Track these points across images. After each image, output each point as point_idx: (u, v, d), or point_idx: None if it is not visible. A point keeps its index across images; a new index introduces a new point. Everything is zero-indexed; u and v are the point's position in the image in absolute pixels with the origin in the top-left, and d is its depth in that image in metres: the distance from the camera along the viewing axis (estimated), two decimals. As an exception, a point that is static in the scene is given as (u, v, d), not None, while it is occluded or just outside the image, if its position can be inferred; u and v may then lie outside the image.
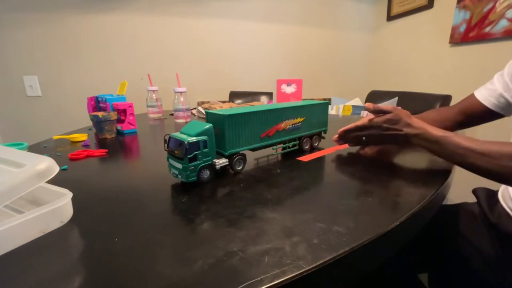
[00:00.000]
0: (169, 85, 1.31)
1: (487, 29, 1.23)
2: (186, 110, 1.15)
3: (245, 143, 0.51)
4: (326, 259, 0.26)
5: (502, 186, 0.60)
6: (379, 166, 0.57)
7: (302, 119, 0.60)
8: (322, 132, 0.67)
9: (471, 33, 1.30)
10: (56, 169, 0.34)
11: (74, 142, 0.78)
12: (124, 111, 0.90)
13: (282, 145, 0.59)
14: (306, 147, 0.64)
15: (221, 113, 0.47)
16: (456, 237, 0.61)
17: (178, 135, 0.45)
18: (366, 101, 1.45)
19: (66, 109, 1.53)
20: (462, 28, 1.35)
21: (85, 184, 0.49)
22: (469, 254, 0.58)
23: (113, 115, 0.83)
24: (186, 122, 1.07)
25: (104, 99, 0.92)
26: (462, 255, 0.59)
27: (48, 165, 0.33)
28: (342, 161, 0.59)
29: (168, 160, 0.47)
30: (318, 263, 0.26)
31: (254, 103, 1.44)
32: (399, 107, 0.54)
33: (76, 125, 1.07)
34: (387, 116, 0.53)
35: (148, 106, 1.28)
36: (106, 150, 0.67)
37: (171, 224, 0.34)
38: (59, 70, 1.48)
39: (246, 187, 0.44)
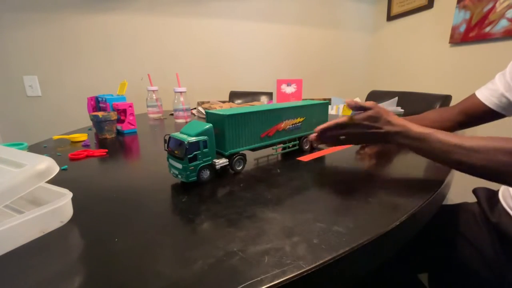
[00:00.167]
0: (169, 85, 1.32)
1: (487, 29, 1.23)
2: (186, 110, 1.15)
3: (245, 143, 0.51)
4: (326, 259, 0.26)
5: (502, 185, 0.60)
6: (379, 166, 0.57)
7: (302, 119, 0.60)
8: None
9: (471, 33, 1.30)
10: (56, 169, 0.34)
11: (74, 142, 0.78)
12: (124, 111, 0.90)
13: (282, 145, 0.59)
14: (306, 147, 0.64)
15: (221, 113, 0.47)
16: (456, 237, 0.61)
17: (178, 135, 0.45)
18: (366, 101, 1.44)
19: (66, 109, 1.53)
20: (462, 28, 1.35)
21: (85, 184, 0.49)
22: (469, 254, 0.58)
23: (113, 115, 0.83)
24: (186, 122, 1.07)
25: (104, 99, 0.92)
26: (462, 255, 0.59)
27: (48, 165, 0.33)
28: (342, 161, 0.59)
29: (168, 160, 0.47)
30: (318, 263, 0.26)
31: (254, 103, 1.44)
32: (380, 105, 0.50)
33: (76, 125, 1.07)
34: (368, 113, 0.49)
35: (148, 106, 1.28)
36: (106, 150, 0.67)
37: (171, 224, 0.34)
38: (59, 70, 1.48)
39: (246, 187, 0.44)
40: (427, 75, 1.63)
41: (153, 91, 1.26)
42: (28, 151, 0.44)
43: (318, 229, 0.31)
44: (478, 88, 0.66)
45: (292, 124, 0.58)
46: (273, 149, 0.58)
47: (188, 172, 0.43)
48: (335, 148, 0.65)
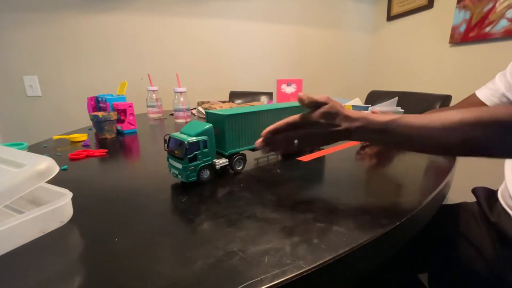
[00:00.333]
0: (169, 85, 1.31)
1: (487, 29, 1.23)
2: (186, 110, 1.15)
3: (245, 143, 0.51)
4: (326, 259, 0.26)
5: (501, 185, 0.60)
6: (379, 166, 0.57)
7: (302, 119, 0.60)
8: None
9: (471, 33, 1.30)
10: (56, 169, 0.34)
11: (74, 142, 0.78)
12: (124, 111, 0.90)
13: (282, 145, 0.59)
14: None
15: (221, 113, 0.47)
16: (456, 237, 0.61)
17: (178, 135, 0.45)
18: (366, 101, 1.45)
19: (66, 109, 1.53)
20: (462, 28, 1.35)
21: (85, 184, 0.49)
22: (469, 254, 0.58)
23: (113, 115, 0.83)
24: (186, 122, 1.07)
25: (104, 99, 0.92)
26: (462, 255, 0.59)
27: (48, 165, 0.33)
28: (342, 161, 0.59)
29: (168, 160, 0.47)
30: (318, 263, 0.26)
31: (254, 103, 1.44)
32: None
33: (76, 125, 1.07)
34: (324, 109, 0.40)
35: (148, 106, 1.28)
36: (106, 150, 0.67)
37: (171, 224, 0.34)
38: (59, 70, 1.48)
39: (246, 187, 0.44)
40: (427, 75, 1.63)
41: (153, 91, 1.26)
42: (28, 151, 0.44)
43: (318, 229, 0.31)
44: (478, 88, 0.66)
45: (292, 124, 0.58)
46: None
47: (188, 172, 0.43)
48: (335, 148, 0.65)
